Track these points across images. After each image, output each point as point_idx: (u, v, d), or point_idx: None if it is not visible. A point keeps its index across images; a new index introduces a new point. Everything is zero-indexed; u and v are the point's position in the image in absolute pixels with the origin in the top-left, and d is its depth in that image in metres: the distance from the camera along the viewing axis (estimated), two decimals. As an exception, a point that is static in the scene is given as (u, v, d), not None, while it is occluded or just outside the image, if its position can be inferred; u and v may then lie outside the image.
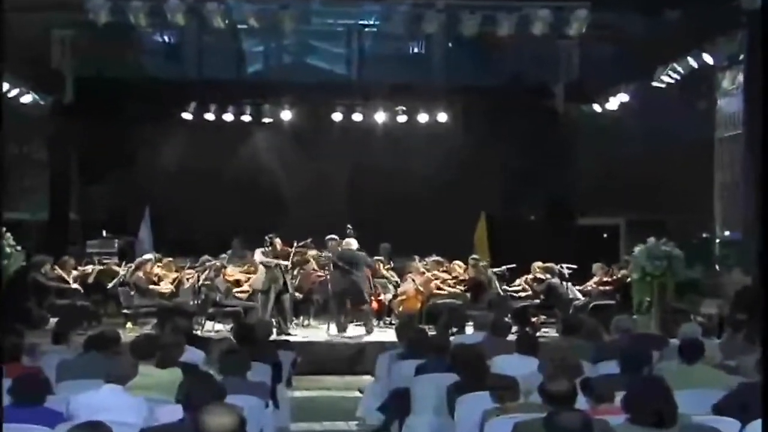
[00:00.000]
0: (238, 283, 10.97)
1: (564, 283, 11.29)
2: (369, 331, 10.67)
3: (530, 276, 11.56)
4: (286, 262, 10.59)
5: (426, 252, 12.47)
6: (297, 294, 11.51)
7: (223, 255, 11.81)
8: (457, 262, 11.77)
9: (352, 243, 10.76)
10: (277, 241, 10.49)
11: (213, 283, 10.93)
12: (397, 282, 12.09)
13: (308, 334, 10.72)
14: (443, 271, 11.66)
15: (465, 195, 14.42)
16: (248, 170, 14.79)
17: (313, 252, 11.33)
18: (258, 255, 10.45)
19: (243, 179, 14.58)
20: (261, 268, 10.45)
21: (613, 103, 13.59)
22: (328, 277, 10.54)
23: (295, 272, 11.17)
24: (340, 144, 14.47)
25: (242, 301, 10.80)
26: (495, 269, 11.87)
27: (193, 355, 5.99)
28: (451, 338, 7.06)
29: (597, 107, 13.97)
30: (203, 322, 10.83)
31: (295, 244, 10.82)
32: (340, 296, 10.64)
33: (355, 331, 10.75)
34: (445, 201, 14.42)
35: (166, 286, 10.86)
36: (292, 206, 14.33)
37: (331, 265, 10.63)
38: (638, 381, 4.24)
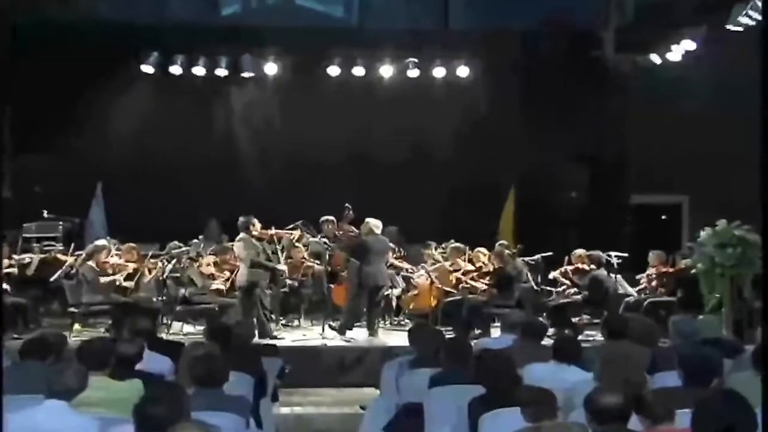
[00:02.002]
0: (213, 275, 10.97)
1: (612, 275, 11.28)
2: (373, 334, 10.70)
3: (570, 266, 11.54)
4: (272, 248, 10.59)
5: (443, 237, 12.52)
6: (284, 288, 11.56)
7: (195, 240, 11.84)
8: (481, 249, 11.77)
9: (378, 224, 10.84)
10: (255, 222, 10.46)
11: (182, 275, 10.95)
12: (408, 273, 12.14)
13: (298, 337, 10.73)
14: (464, 261, 11.64)
15: (490, 167, 14.46)
16: (224, 137, 14.84)
17: (295, 234, 11.26)
18: (240, 248, 10.44)
19: (218, 147, 14.64)
20: (243, 264, 10.45)
21: (676, 53, 13.50)
22: (357, 267, 10.51)
23: (282, 261, 11.15)
24: (337, 104, 14.44)
25: (218, 298, 10.82)
26: (527, 258, 11.88)
27: (156, 363, 6.01)
28: (474, 342, 7.05)
29: (655, 58, 13.90)
30: (170, 322, 10.87)
31: (273, 229, 10.78)
32: (374, 292, 10.72)
33: (356, 333, 10.79)
34: (466, 174, 14.46)
35: (123, 279, 10.86)
36: (278, 180, 14.40)
37: (359, 251, 10.60)
38: (706, 396, 4.21)
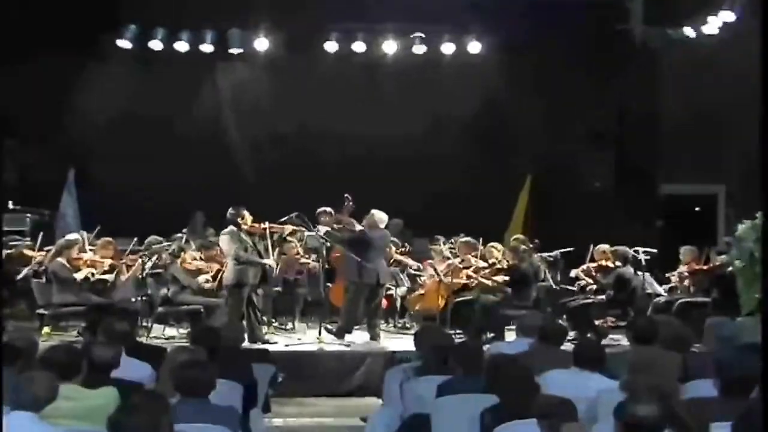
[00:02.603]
0: (199, 272, 10.98)
1: (640, 272, 11.27)
2: (375, 337, 10.72)
3: (593, 263, 11.54)
4: (264, 243, 10.57)
5: (452, 231, 12.53)
6: (277, 287, 11.57)
7: (178, 234, 11.83)
8: (494, 244, 11.77)
9: (384, 218, 10.85)
10: (245, 214, 10.45)
11: (164, 272, 10.95)
12: (414, 270, 12.13)
13: (292, 341, 10.75)
14: (475, 257, 11.64)
15: (504, 153, 14.44)
16: (210, 120, 14.82)
17: (287, 228, 11.22)
18: (225, 243, 10.43)
19: (203, 132, 14.62)
20: (230, 261, 10.45)
21: (713, 25, 13.44)
22: (357, 264, 10.52)
23: (274, 257, 11.14)
24: (335, 84, 14.44)
25: (204, 298, 10.83)
26: (545, 254, 11.87)
27: (135, 369, 6.02)
28: (486, 347, 7.07)
29: (689, 31, 13.84)
30: (150, 325, 10.88)
31: (265, 222, 10.75)
32: (376, 291, 10.75)
33: (356, 336, 10.80)
34: (478, 161, 14.46)
35: (98, 277, 10.86)
36: (270, 169, 14.40)
37: (359, 246, 10.61)
38: (746, 408, 4.20)
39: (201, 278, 10.85)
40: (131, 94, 14.34)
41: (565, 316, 11.13)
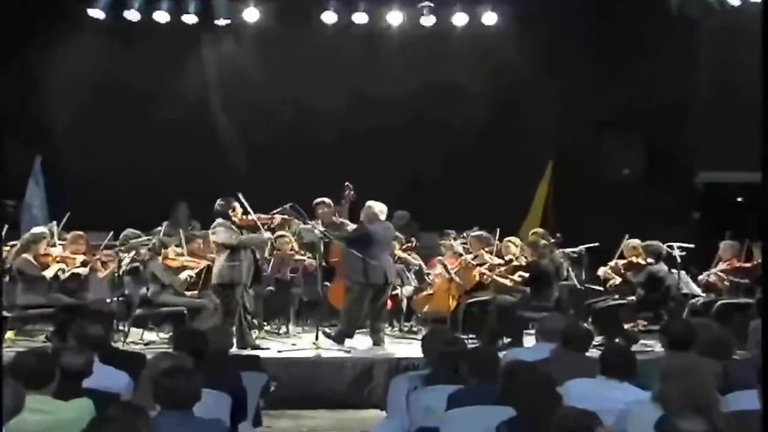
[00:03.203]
0: (182, 269, 10.98)
1: (674, 270, 11.26)
2: (378, 342, 10.74)
3: (622, 260, 11.52)
4: (260, 237, 10.59)
5: (464, 224, 12.57)
6: (269, 287, 11.64)
7: (159, 228, 11.82)
8: (511, 239, 11.78)
9: (383, 209, 10.87)
10: (236, 206, 10.45)
11: (143, 269, 10.97)
12: (421, 268, 12.17)
13: (287, 347, 10.76)
14: (490, 253, 11.64)
15: (522, 137, 14.43)
16: (194, 100, 14.80)
17: (278, 219, 11.23)
18: (223, 234, 10.42)
19: (187, 114, 14.62)
20: (221, 257, 10.45)
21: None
22: (359, 261, 10.55)
23: (266, 253, 11.17)
24: (333, 59, 14.46)
25: (187, 298, 10.85)
26: (568, 249, 11.91)
27: (111, 379, 6.04)
28: (502, 353, 7.07)
29: (732, -2, 13.80)
30: (127, 329, 10.90)
31: (255, 214, 10.74)
32: (379, 292, 10.76)
33: (357, 341, 10.82)
34: (493, 146, 14.43)
35: (68, 276, 10.87)
36: (261, 153, 14.43)
37: (361, 241, 10.63)
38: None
39: (184, 275, 10.85)
40: (105, 71, 14.34)
41: (590, 319, 11.15)
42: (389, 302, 11.50)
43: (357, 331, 10.91)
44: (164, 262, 10.93)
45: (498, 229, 11.85)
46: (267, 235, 10.71)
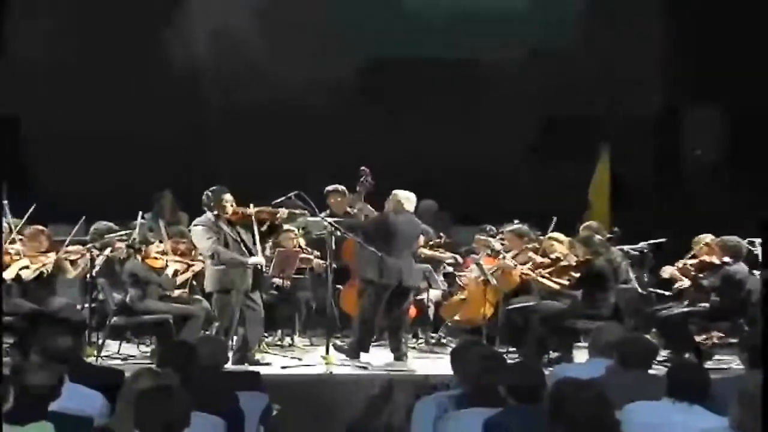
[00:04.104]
0: (176, 272, 10.99)
1: (756, 272, 11.19)
2: (400, 357, 10.74)
3: (693, 260, 11.47)
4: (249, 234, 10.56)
5: (501, 217, 12.51)
6: (271, 291, 11.63)
7: (140, 221, 11.79)
8: (555, 235, 11.70)
9: (411, 198, 10.85)
10: (227, 197, 10.41)
11: (121, 270, 10.96)
12: (451, 267, 12.15)
13: (291, 362, 10.77)
14: (533, 250, 11.60)
15: (570, 114, 14.36)
16: (181, 67, 14.81)
17: (283, 213, 11.21)
18: (199, 237, 10.40)
19: (171, 85, 14.65)
20: (209, 261, 10.45)
21: None
22: (375, 260, 10.54)
23: (267, 251, 11.14)
24: (342, 23, 14.51)
25: (174, 304, 10.86)
26: (627, 246, 11.87)
27: (82, 399, 6.03)
28: (549, 370, 7.07)
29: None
30: (102, 340, 10.90)
31: (250, 208, 10.71)
32: (401, 296, 10.76)
33: (374, 356, 10.83)
34: (535, 125, 14.42)
35: (31, 278, 10.87)
36: (260, 133, 14.44)
37: (378, 235, 10.62)
38: None
39: (171, 269, 10.85)
40: (72, 35, 14.36)
41: (654, 330, 11.08)
42: (413, 309, 11.51)
43: (374, 343, 10.91)
44: (145, 261, 10.90)
45: (554, 218, 11.74)
46: (257, 260, 10.48)
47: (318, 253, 11.73)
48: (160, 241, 11.20)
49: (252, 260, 10.45)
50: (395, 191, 10.87)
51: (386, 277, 10.56)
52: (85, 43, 14.31)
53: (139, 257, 10.91)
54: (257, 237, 10.51)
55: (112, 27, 14.31)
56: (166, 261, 11.01)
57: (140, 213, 11.62)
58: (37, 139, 14.19)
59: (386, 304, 10.71)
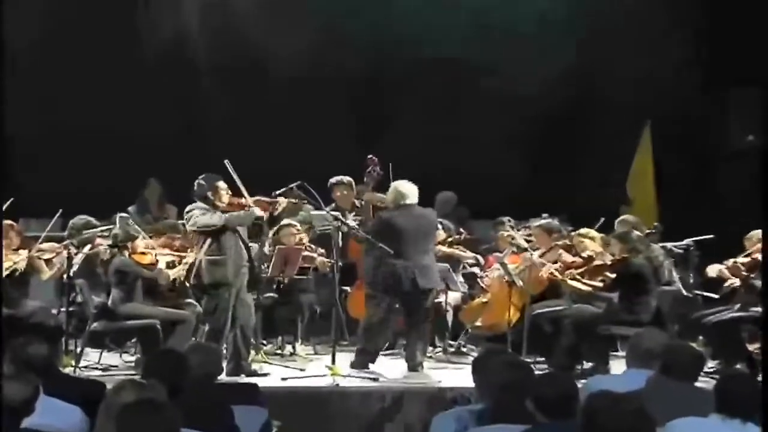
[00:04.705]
0: (157, 266, 11.00)
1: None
2: (415, 367, 10.76)
3: (744, 258, 11.44)
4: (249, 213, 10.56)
5: (526, 211, 12.57)
6: (269, 293, 11.63)
7: (123, 214, 11.80)
8: (587, 230, 11.69)
9: (412, 189, 10.82)
10: (221, 186, 10.42)
11: (102, 270, 10.98)
12: (472, 267, 12.17)
13: (293, 373, 10.77)
14: (562, 248, 11.59)
15: (606, 91, 14.35)
16: (169, 39, 14.87)
17: (283, 203, 11.21)
18: (201, 217, 10.38)
19: (158, 59, 14.71)
20: (200, 252, 10.46)
21: None
22: (381, 260, 10.57)
23: (266, 248, 11.14)
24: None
25: (162, 308, 10.87)
26: (670, 243, 11.89)
27: (59, 415, 6.03)
28: (582, 382, 7.07)
29: None
30: (80, 349, 10.90)
31: (246, 198, 10.69)
32: (413, 300, 10.76)
33: (386, 366, 10.85)
34: (567, 104, 14.39)
35: (5, 276, 10.89)
36: (258, 116, 14.50)
37: (383, 234, 10.63)
38: None
39: (163, 262, 10.83)
40: (46, 8, 14.44)
41: (701, 337, 11.05)
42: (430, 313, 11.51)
43: (386, 351, 10.98)
44: (132, 256, 10.88)
45: (602, 219, 11.76)
46: (258, 212, 10.52)
47: (323, 251, 11.73)
48: (150, 235, 11.20)
49: (257, 212, 10.45)
50: (395, 183, 10.85)
51: (394, 282, 10.57)
52: (60, 34, 14.36)
53: (126, 253, 10.89)
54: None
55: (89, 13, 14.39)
56: (156, 255, 10.98)
57: (118, 214, 11.67)
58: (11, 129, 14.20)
59: (404, 309, 10.73)
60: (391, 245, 10.50)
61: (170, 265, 11.01)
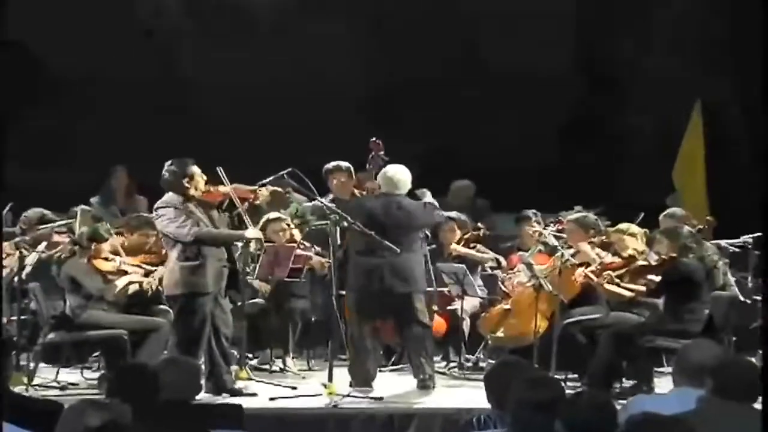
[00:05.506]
0: (121, 273, 10.98)
1: None
2: (425, 384, 10.74)
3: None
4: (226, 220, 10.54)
5: (556, 204, 12.63)
6: (256, 299, 11.67)
7: (83, 207, 11.82)
8: (627, 226, 11.67)
9: (397, 175, 10.78)
10: (195, 172, 10.38)
11: (59, 272, 10.97)
12: (494, 269, 12.25)
13: (282, 392, 10.75)
14: (597, 245, 11.56)
15: (646, 67, 14.37)
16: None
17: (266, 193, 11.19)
18: (170, 220, 10.34)
19: (128, 34, 14.80)
20: (173, 255, 10.43)
21: None
22: (352, 261, 10.61)
23: (251, 247, 11.11)
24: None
25: (127, 316, 10.87)
26: (725, 241, 11.96)
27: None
28: (621, 403, 7.04)
29: None
30: (34, 364, 10.91)
31: (227, 186, 10.67)
32: (368, 303, 10.76)
33: (390, 384, 10.83)
34: (595, 81, 14.41)
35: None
36: (242, 99, 14.59)
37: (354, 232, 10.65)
38: None
39: (123, 281, 10.81)
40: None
41: (761, 351, 11.00)
42: (440, 321, 11.56)
43: (393, 367, 11.13)
44: (92, 261, 10.85)
45: (642, 213, 11.74)
46: (255, 232, 10.53)
47: (318, 249, 11.71)
48: (118, 232, 11.19)
49: (249, 233, 10.45)
50: (386, 168, 10.82)
51: (363, 281, 10.62)
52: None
53: (84, 258, 10.86)
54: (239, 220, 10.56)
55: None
56: (120, 263, 10.95)
57: (79, 206, 11.67)
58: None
59: (394, 320, 10.77)
60: (359, 237, 10.55)
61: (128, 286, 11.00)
